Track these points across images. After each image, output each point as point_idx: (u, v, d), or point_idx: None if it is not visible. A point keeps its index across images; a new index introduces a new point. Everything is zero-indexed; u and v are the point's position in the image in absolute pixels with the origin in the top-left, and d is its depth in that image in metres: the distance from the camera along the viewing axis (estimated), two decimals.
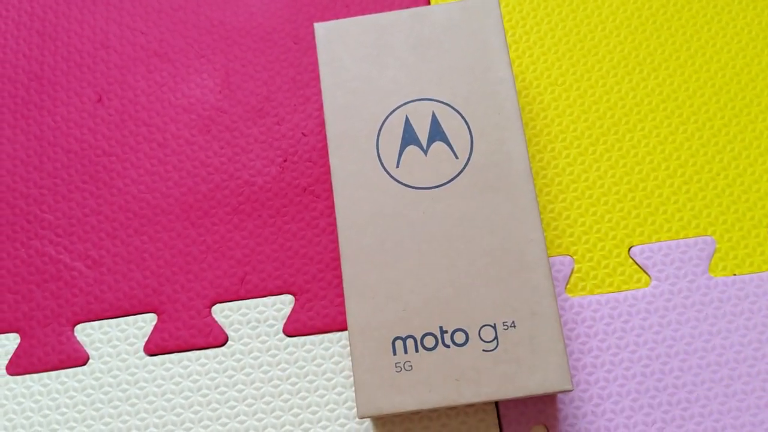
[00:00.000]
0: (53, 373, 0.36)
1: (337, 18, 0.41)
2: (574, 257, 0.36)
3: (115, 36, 0.41)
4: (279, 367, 0.35)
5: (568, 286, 0.36)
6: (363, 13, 0.41)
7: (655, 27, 0.40)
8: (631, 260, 0.36)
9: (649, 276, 0.36)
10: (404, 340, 0.30)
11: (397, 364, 0.30)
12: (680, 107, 0.38)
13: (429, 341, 0.30)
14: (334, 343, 0.36)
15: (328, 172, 0.38)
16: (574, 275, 0.36)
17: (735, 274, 0.36)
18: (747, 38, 0.40)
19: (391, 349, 0.30)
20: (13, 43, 0.41)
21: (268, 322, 0.36)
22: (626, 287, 0.36)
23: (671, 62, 0.39)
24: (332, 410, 0.35)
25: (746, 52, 0.39)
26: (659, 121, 0.38)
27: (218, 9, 0.42)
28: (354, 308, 0.31)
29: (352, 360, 0.30)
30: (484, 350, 0.30)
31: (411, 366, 0.30)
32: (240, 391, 0.35)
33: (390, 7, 0.41)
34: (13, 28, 0.42)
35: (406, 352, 0.30)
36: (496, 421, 0.34)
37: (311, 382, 0.35)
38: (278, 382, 0.35)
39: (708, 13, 0.40)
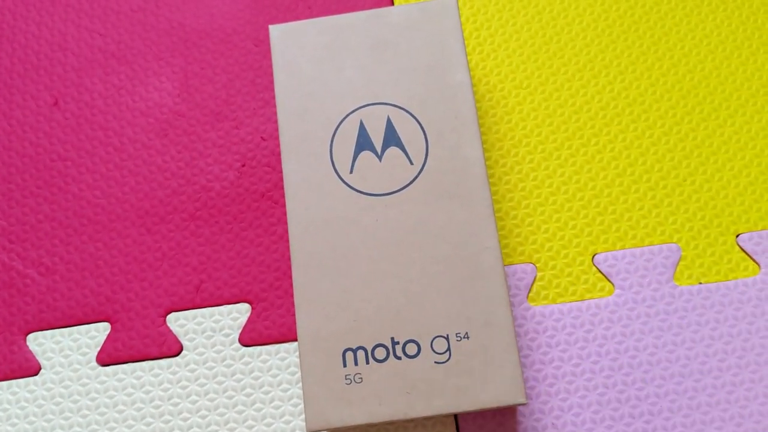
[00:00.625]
0: (4, 383, 0.35)
1: (299, 20, 0.40)
2: (537, 265, 0.36)
3: (72, 38, 0.40)
4: (234, 377, 0.35)
5: (530, 294, 0.35)
6: (326, 15, 0.40)
7: (622, 29, 0.39)
8: (594, 268, 0.35)
9: (612, 284, 0.35)
10: (355, 351, 0.29)
11: (348, 377, 0.29)
12: (647, 111, 0.38)
13: (380, 353, 0.29)
14: (291, 353, 0.35)
15: None
16: (537, 283, 0.35)
17: (701, 283, 0.35)
18: (716, 41, 0.39)
19: (342, 361, 0.29)
20: None
21: (223, 332, 0.35)
22: (589, 296, 0.35)
23: (638, 65, 0.39)
24: (288, 422, 0.34)
25: (714, 55, 0.39)
26: (625, 125, 0.37)
27: (178, 11, 0.41)
28: (304, 318, 0.30)
29: (301, 371, 0.29)
30: (436, 362, 0.29)
31: (361, 378, 0.29)
32: (194, 402, 0.34)
33: (352, 8, 0.40)
34: None
35: (356, 363, 0.29)
36: None
37: (266, 393, 0.34)
38: (233, 393, 0.34)
39: (676, 15, 0.39)
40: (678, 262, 0.35)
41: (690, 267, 0.35)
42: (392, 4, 0.41)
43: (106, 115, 0.39)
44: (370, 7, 0.41)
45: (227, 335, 0.35)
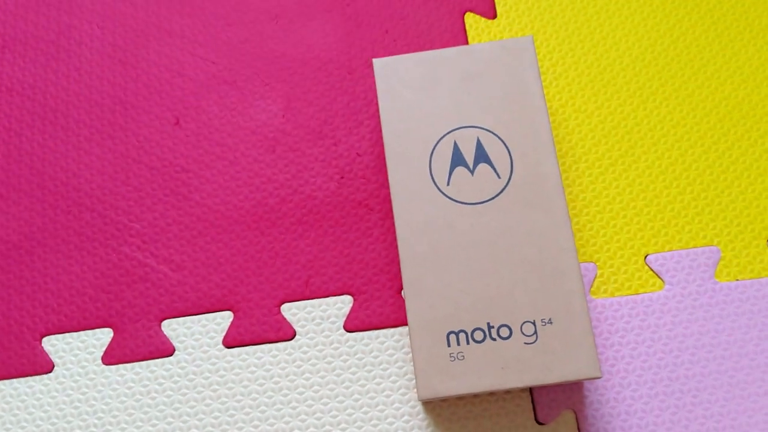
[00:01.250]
0: (144, 363, 0.41)
1: (386, 50, 0.46)
2: (597, 264, 0.42)
3: (189, 65, 0.47)
4: (341, 358, 0.41)
5: (592, 289, 0.41)
6: (409, 47, 0.46)
7: (666, 61, 0.45)
8: (647, 267, 0.42)
9: (662, 281, 0.41)
10: (457, 333, 0.36)
11: (451, 355, 0.35)
12: (688, 132, 0.44)
13: (478, 335, 0.35)
14: (389, 337, 0.41)
15: (380, 188, 0.44)
16: (597, 279, 0.41)
17: (738, 280, 0.41)
18: (748, 71, 0.45)
19: (446, 342, 0.35)
20: (99, 72, 0.47)
21: (330, 320, 0.41)
22: (643, 290, 0.41)
23: (680, 92, 0.45)
24: (388, 396, 0.40)
25: (747, 84, 0.45)
26: (670, 144, 0.44)
27: (280, 42, 0.47)
28: (413, 307, 0.36)
29: (412, 351, 0.35)
30: (525, 343, 0.35)
31: (463, 356, 0.35)
32: (307, 379, 0.40)
33: (431, 42, 0.47)
34: (98, 58, 0.47)
35: (458, 344, 0.35)
36: (531, 406, 0.39)
37: (369, 371, 0.40)
38: (340, 372, 0.40)
39: (713, 48, 0.46)
40: (718, 262, 0.41)
41: (728, 266, 0.41)
42: (466, 36, 0.47)
43: (222, 133, 0.45)
44: (446, 41, 0.47)
45: (333, 322, 0.41)
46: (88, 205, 0.44)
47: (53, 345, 0.42)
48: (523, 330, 0.35)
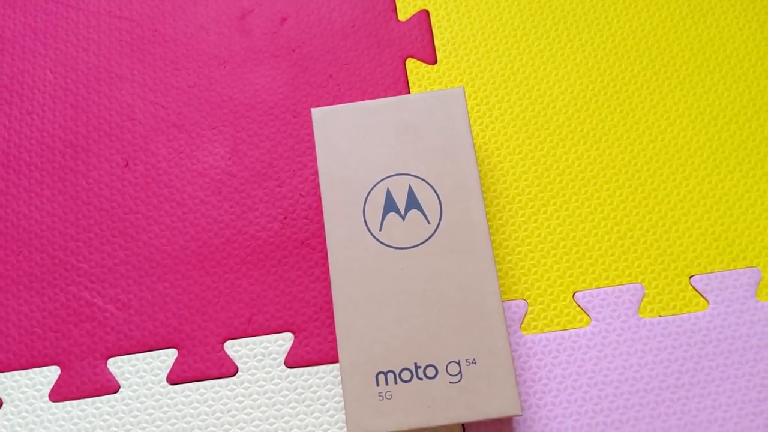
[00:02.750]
0: (89, 400, 0.42)
1: (330, 95, 0.48)
2: (528, 301, 0.44)
3: (139, 109, 0.48)
4: (281, 394, 0.42)
5: (523, 325, 0.43)
6: (352, 92, 0.48)
7: (596, 106, 0.48)
8: (575, 303, 0.44)
9: (589, 317, 0.43)
10: (386, 374, 0.37)
11: (380, 394, 0.37)
12: (616, 174, 0.46)
13: (406, 375, 0.37)
14: (327, 373, 0.43)
15: (322, 228, 0.45)
16: (528, 316, 0.43)
17: (660, 316, 0.43)
18: (674, 116, 0.47)
19: (375, 382, 0.37)
20: (50, 116, 0.48)
21: (271, 356, 0.43)
22: (570, 326, 0.43)
23: (609, 136, 0.47)
24: (325, 430, 0.41)
25: (672, 127, 0.47)
26: (599, 186, 0.46)
27: (227, 87, 0.49)
28: (344, 348, 0.38)
29: (343, 391, 0.37)
30: (450, 382, 0.37)
31: (391, 395, 0.37)
32: (248, 414, 0.42)
33: (374, 87, 0.49)
34: (51, 102, 0.49)
35: (387, 383, 0.37)
36: None
37: (308, 406, 0.42)
38: (280, 407, 0.42)
39: (642, 93, 0.48)
40: (642, 299, 0.44)
41: (652, 303, 0.43)
42: (407, 81, 0.49)
43: (170, 175, 0.47)
44: (388, 85, 0.49)
45: (274, 359, 0.43)
46: (38, 246, 0.45)
47: (2, 382, 0.43)
48: (449, 370, 0.37)
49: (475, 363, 0.37)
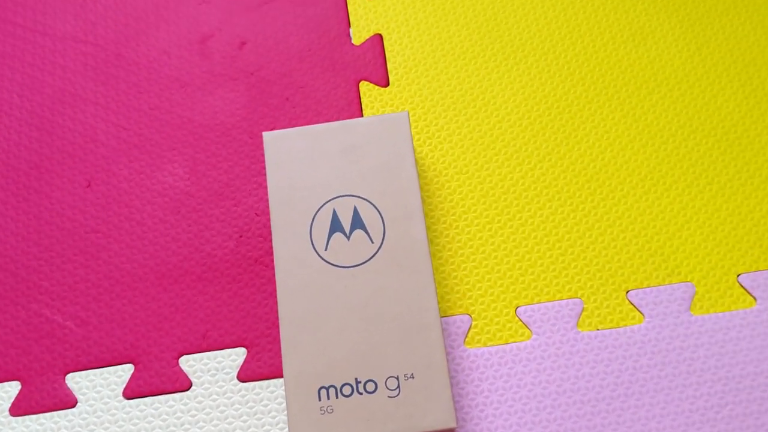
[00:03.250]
0: (48, 415, 0.44)
1: (286, 117, 0.50)
2: (472, 315, 0.46)
3: (102, 131, 0.50)
4: (233, 407, 0.44)
5: (467, 339, 0.45)
6: (307, 114, 0.50)
7: (540, 127, 0.50)
8: (517, 318, 0.45)
9: (530, 331, 0.45)
10: (327, 388, 0.39)
11: (322, 408, 0.39)
12: (559, 193, 0.48)
13: (347, 389, 0.39)
14: (278, 387, 0.44)
15: None
16: (472, 330, 0.45)
17: (598, 329, 0.45)
18: (613, 136, 0.49)
19: (317, 396, 0.39)
20: (16, 137, 0.50)
21: (225, 370, 0.45)
22: (512, 340, 0.45)
23: (552, 156, 0.49)
24: None
25: (612, 147, 0.49)
26: (542, 204, 0.48)
27: (187, 108, 0.50)
28: (288, 362, 0.39)
29: (287, 405, 0.39)
30: (389, 396, 0.39)
31: (332, 409, 0.39)
32: (201, 428, 0.43)
33: (328, 109, 0.50)
34: (16, 124, 0.50)
35: (328, 398, 0.39)
36: None
37: (259, 419, 0.44)
38: (232, 420, 0.44)
39: (583, 115, 0.50)
40: (581, 313, 0.45)
41: (590, 317, 0.45)
42: (360, 103, 0.51)
43: (130, 195, 0.48)
44: (342, 108, 0.51)
45: (228, 373, 0.45)
46: (1, 264, 0.47)
47: None
48: (387, 384, 0.39)
49: (413, 378, 0.39)
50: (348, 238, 0.42)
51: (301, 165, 0.43)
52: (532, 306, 0.46)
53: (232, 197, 0.48)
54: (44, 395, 0.44)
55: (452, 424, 0.38)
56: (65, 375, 0.45)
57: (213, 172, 0.49)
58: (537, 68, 0.51)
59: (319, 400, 0.39)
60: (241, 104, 0.50)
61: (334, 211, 0.42)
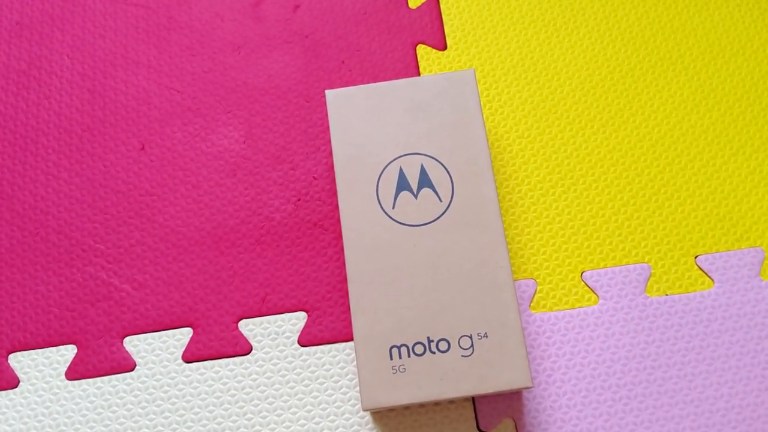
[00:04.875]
0: (105, 378, 0.43)
1: (342, 80, 0.49)
2: (537, 280, 0.44)
3: (155, 94, 0.49)
4: (294, 371, 0.43)
5: (532, 304, 0.44)
6: (364, 77, 0.49)
7: (602, 91, 0.49)
8: (583, 283, 0.44)
9: (597, 296, 0.44)
10: (399, 347, 0.38)
11: (393, 367, 0.38)
12: (623, 157, 0.47)
13: (419, 348, 0.38)
14: (340, 351, 0.43)
15: (334, 210, 0.46)
16: (537, 295, 0.44)
17: (666, 295, 0.44)
18: (679, 100, 0.48)
19: (389, 355, 0.38)
20: (68, 100, 0.49)
21: (285, 335, 0.44)
22: (579, 305, 0.44)
23: (615, 120, 0.48)
24: (338, 407, 0.42)
25: (677, 111, 0.48)
26: (606, 168, 0.47)
27: (242, 72, 0.50)
28: (359, 322, 0.38)
29: (357, 364, 0.38)
30: (462, 356, 0.38)
31: (405, 368, 0.38)
32: (262, 392, 0.43)
33: (385, 73, 0.49)
34: (68, 87, 0.50)
35: (400, 357, 0.38)
36: (473, 415, 0.42)
37: (321, 384, 0.43)
38: (294, 384, 0.43)
39: (647, 78, 0.49)
40: (649, 278, 0.44)
41: (658, 282, 0.44)
42: (418, 67, 0.50)
43: (185, 158, 0.48)
44: (399, 71, 0.50)
45: (288, 337, 0.44)
46: (55, 227, 0.46)
47: (19, 361, 0.44)
48: (461, 343, 0.38)
49: (487, 337, 0.38)
50: (416, 196, 0.41)
51: (366, 123, 0.42)
52: (598, 270, 0.45)
53: (289, 161, 0.47)
54: (101, 359, 0.43)
55: (528, 384, 0.37)
56: (123, 338, 0.44)
57: (269, 135, 0.48)
58: (598, 31, 0.50)
59: (391, 359, 0.38)
60: (296, 67, 0.50)
61: (401, 170, 0.41)
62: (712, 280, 0.44)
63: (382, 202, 0.41)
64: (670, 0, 0.51)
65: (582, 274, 0.45)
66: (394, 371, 0.38)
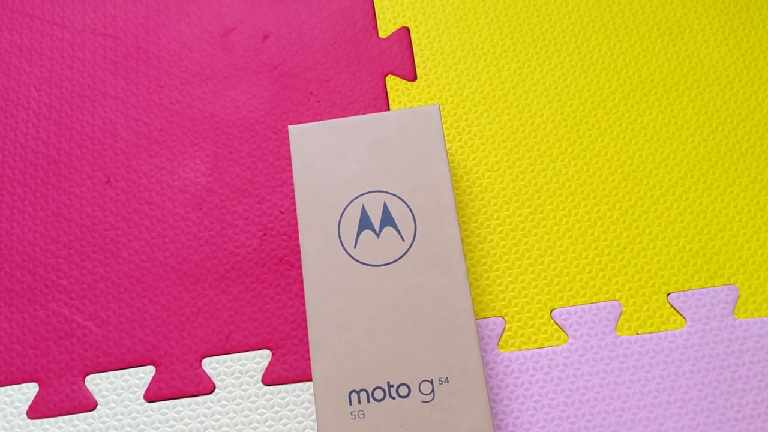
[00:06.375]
0: (66, 418, 0.42)
1: (310, 111, 0.49)
2: (505, 318, 0.44)
3: (122, 126, 0.49)
4: (258, 412, 0.42)
5: (500, 342, 0.43)
6: (332, 108, 0.49)
7: (574, 123, 0.48)
8: (552, 321, 0.44)
9: (567, 334, 0.43)
10: (358, 392, 0.37)
11: (353, 413, 0.37)
12: (594, 191, 0.46)
13: (378, 393, 0.37)
14: (305, 391, 0.43)
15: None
16: (505, 333, 0.43)
17: (638, 333, 0.43)
18: (650, 133, 0.48)
19: (348, 400, 0.37)
20: (34, 132, 0.49)
21: (249, 373, 0.43)
22: (548, 344, 0.43)
23: (587, 152, 0.47)
24: None
25: (650, 144, 0.47)
26: (577, 202, 0.46)
27: (209, 103, 0.49)
28: (317, 365, 0.38)
29: (315, 409, 0.37)
30: (423, 401, 0.37)
31: (363, 414, 0.37)
32: None
33: (354, 104, 0.49)
34: (34, 118, 0.49)
35: (359, 402, 0.37)
36: None
37: (285, 425, 0.42)
38: (257, 425, 0.42)
39: (618, 111, 0.48)
40: (619, 316, 0.43)
41: (629, 320, 0.43)
42: (387, 97, 0.49)
43: (150, 191, 0.47)
44: (368, 103, 0.49)
45: (252, 376, 0.43)
46: (18, 262, 0.46)
47: None
48: (421, 389, 0.37)
49: (448, 381, 0.37)
50: (378, 235, 0.40)
51: (329, 160, 0.42)
52: (568, 308, 0.44)
53: (255, 194, 0.47)
54: (63, 397, 0.43)
55: (489, 431, 0.36)
56: (85, 376, 0.43)
57: (236, 168, 0.47)
58: (570, 62, 0.50)
59: (350, 404, 0.37)
60: (264, 98, 0.49)
61: (363, 208, 0.41)
62: (685, 318, 0.43)
63: (343, 241, 0.40)
64: (644, 30, 0.50)
65: (551, 311, 0.44)
66: (353, 417, 0.37)
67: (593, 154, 0.47)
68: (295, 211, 0.46)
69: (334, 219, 0.40)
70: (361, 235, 0.40)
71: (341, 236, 0.40)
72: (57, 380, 0.43)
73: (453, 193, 0.40)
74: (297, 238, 0.46)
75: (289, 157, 0.48)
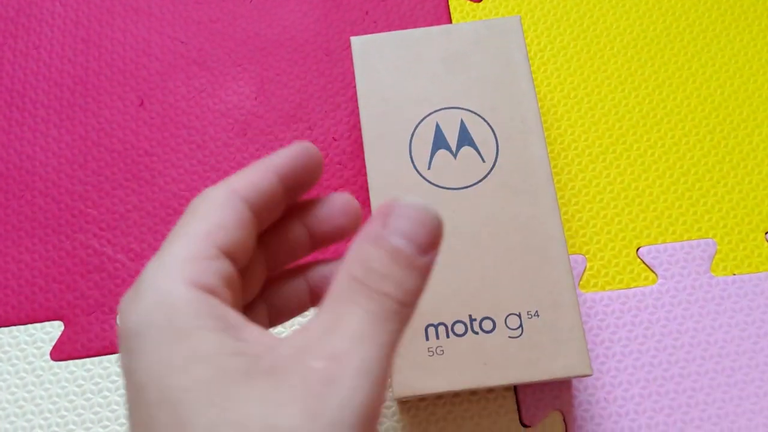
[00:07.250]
0: (96, 359, 0.38)
1: (365, 32, 0.44)
2: (587, 256, 0.39)
3: (156, 44, 0.44)
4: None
5: (581, 282, 0.39)
6: (389, 29, 0.44)
7: (659, 47, 0.43)
8: (639, 260, 0.39)
9: (655, 274, 0.39)
10: (436, 327, 0.33)
11: (430, 349, 0.32)
12: (683, 120, 0.42)
13: (459, 328, 0.33)
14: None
15: (357, 174, 0.41)
16: (587, 273, 0.39)
17: (734, 274, 0.39)
18: (744, 59, 0.43)
19: (424, 335, 0.33)
20: (59, 49, 0.44)
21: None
22: (635, 284, 0.39)
23: (674, 79, 0.43)
24: None
25: (744, 71, 0.43)
26: (664, 132, 0.42)
27: (253, 22, 0.44)
28: None
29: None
30: (509, 337, 0.32)
31: (443, 351, 0.32)
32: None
33: (413, 24, 0.44)
34: (59, 36, 0.44)
35: (437, 338, 0.33)
36: (515, 407, 0.36)
37: None
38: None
39: (707, 35, 0.44)
40: (714, 255, 0.39)
41: (725, 260, 0.39)
42: (449, 16, 0.45)
43: (189, 115, 0.42)
44: (428, 23, 0.44)
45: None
46: (42, 190, 0.41)
47: None
48: (508, 323, 0.33)
49: (538, 316, 0.33)
50: (455, 156, 0.35)
51: (396, 74, 0.37)
52: (656, 246, 0.39)
53: (305, 120, 0.42)
54: (91, 337, 0.38)
55: (587, 371, 0.32)
56: (116, 315, 0.39)
57: (283, 91, 0.43)
58: None
59: (427, 339, 0.33)
60: (314, 18, 0.44)
61: (438, 126, 0.36)
62: None
63: (416, 162, 0.35)
64: None
65: (638, 250, 0.39)
66: (431, 354, 0.32)
67: (680, 81, 0.43)
68: (350, 138, 0.42)
69: (405, 138, 0.36)
70: (436, 156, 0.36)
71: (413, 157, 0.35)
72: (85, 318, 0.39)
73: (539, 112, 0.36)
74: (352, 167, 0.41)
75: (343, 80, 0.43)
